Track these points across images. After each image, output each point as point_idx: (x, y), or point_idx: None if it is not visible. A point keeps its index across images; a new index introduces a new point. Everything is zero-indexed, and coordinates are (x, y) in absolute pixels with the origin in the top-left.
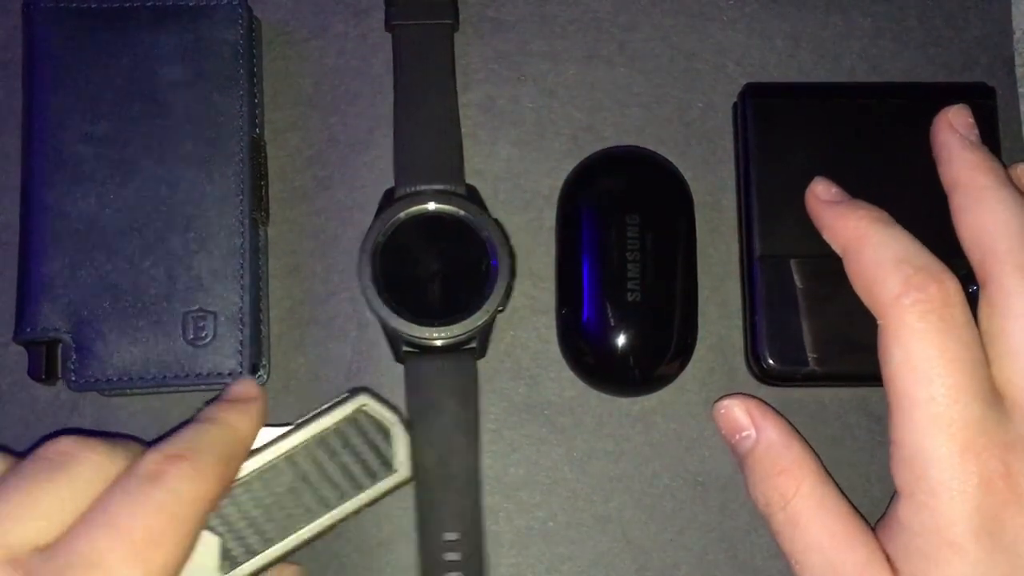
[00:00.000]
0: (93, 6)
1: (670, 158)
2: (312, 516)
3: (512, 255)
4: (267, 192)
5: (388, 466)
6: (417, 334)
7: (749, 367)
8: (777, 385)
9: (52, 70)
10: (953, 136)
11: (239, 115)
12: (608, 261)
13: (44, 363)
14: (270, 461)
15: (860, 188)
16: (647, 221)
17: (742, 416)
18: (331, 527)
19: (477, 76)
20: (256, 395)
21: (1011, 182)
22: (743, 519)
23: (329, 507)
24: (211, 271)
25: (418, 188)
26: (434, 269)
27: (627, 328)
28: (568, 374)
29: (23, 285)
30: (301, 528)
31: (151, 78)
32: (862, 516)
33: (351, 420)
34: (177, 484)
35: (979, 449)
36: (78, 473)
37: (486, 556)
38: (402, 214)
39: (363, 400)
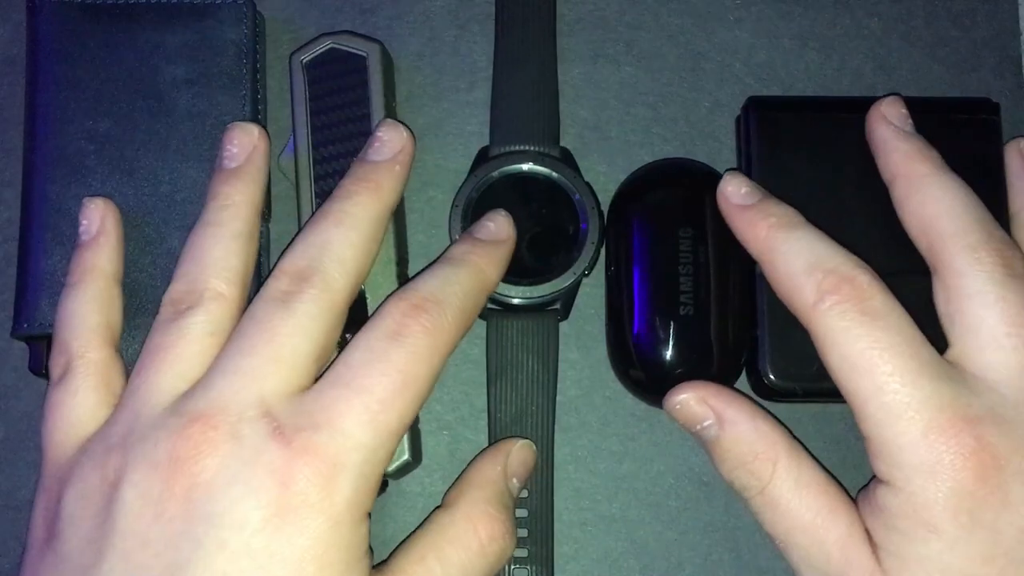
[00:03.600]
0: (98, 2)
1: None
2: None
3: (602, 219)
4: (269, 189)
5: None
6: (502, 292)
7: (750, 382)
8: (780, 401)
9: (56, 66)
10: (888, 128)
11: (242, 114)
12: (660, 274)
13: (45, 358)
14: None
15: (862, 202)
16: (701, 235)
17: (700, 409)
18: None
19: (484, 74)
20: (509, 237)
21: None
22: (748, 519)
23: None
24: None
25: (513, 148)
26: (524, 229)
27: (678, 341)
28: (573, 374)
29: (22, 280)
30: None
31: (155, 75)
32: (837, 481)
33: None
34: (417, 341)
35: (944, 426)
36: (305, 311)
37: (553, 515)
38: (495, 172)
39: None
